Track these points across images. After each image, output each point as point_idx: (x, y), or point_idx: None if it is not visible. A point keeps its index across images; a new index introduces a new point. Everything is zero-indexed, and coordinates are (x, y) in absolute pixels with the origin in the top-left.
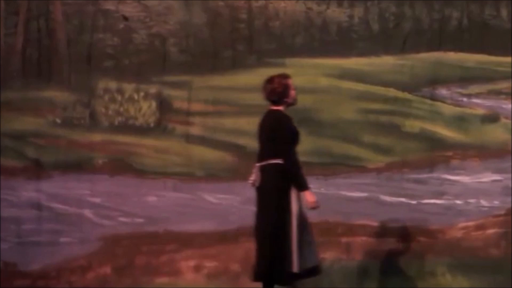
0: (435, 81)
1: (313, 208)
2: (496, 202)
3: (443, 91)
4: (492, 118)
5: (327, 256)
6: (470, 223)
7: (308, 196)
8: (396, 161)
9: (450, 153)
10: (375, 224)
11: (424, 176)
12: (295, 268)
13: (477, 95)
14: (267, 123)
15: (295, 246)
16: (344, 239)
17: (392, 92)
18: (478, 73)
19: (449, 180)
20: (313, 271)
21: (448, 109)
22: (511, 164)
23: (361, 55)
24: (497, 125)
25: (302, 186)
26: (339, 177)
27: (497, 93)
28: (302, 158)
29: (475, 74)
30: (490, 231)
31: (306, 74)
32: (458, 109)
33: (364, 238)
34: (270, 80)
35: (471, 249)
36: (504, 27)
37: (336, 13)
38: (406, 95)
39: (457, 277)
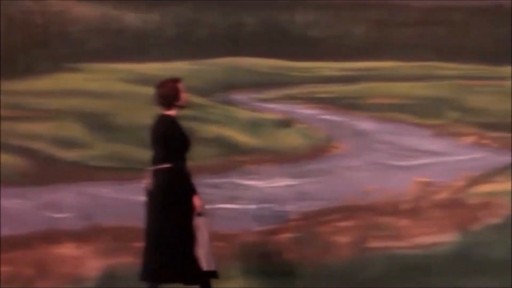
0: (230, 86)
1: (199, 213)
2: (289, 207)
3: (238, 96)
4: (286, 123)
5: (123, 261)
6: (264, 228)
7: (195, 201)
8: (192, 165)
9: (245, 158)
10: None
11: (219, 180)
12: (204, 266)
13: (272, 100)
14: (158, 128)
15: (196, 246)
16: (138, 244)
17: (188, 97)
18: (273, 79)
19: (244, 185)
20: (214, 274)
21: (243, 114)
22: (305, 169)
23: (156, 60)
24: (292, 130)
25: (189, 191)
26: (135, 182)
27: (292, 98)
28: (97, 163)
29: (270, 79)
30: (284, 235)
31: (102, 79)
32: (253, 114)
33: None
34: (160, 85)
35: (265, 253)
36: (299, 33)
37: (132, 18)
38: (202, 100)
39: (250, 281)
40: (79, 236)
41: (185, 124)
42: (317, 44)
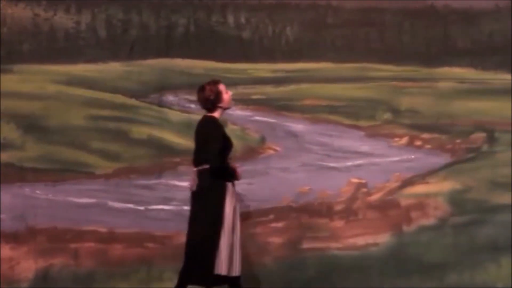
0: (163, 87)
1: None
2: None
3: (170, 98)
4: None
5: (56, 262)
6: None
7: (238, 175)
8: (124, 167)
9: (178, 159)
10: (104, 230)
11: (152, 182)
12: (223, 270)
13: None
14: (199, 129)
15: (224, 250)
16: (72, 245)
17: (120, 98)
18: (205, 80)
19: (177, 186)
20: (232, 279)
21: (176, 116)
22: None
23: (88, 61)
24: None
25: (231, 176)
26: (68, 183)
27: None
28: (30, 164)
29: (202, 81)
30: None
31: (34, 80)
32: (185, 115)
33: (92, 244)
34: (201, 89)
35: None
36: (231, 34)
37: (64, 20)
38: (134, 102)
39: None
40: (14, 238)
41: (117, 126)
42: (249, 46)
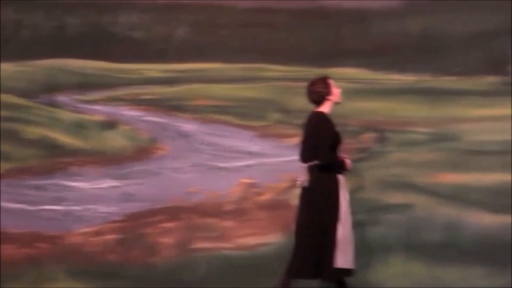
0: (55, 87)
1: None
2: (114, 208)
3: (62, 98)
4: (111, 124)
5: None
6: (89, 229)
7: (347, 165)
8: (16, 167)
9: (69, 160)
10: None
11: (43, 182)
12: (340, 263)
13: (96, 102)
14: (309, 124)
15: (340, 243)
16: None
17: (11, 98)
18: (97, 80)
19: (68, 186)
20: (349, 272)
21: (67, 116)
22: (129, 171)
23: None
24: (116, 132)
25: (341, 168)
26: None
27: (117, 100)
28: None
29: (94, 81)
30: (108, 236)
31: None
32: (77, 115)
33: None
34: (312, 83)
35: (89, 254)
36: (123, 34)
37: None
38: (25, 102)
39: (75, 283)
40: None
41: (8, 126)
42: (141, 46)
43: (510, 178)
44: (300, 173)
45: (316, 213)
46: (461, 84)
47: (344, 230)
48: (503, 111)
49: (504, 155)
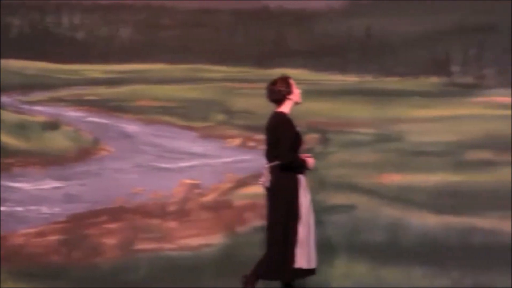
0: None
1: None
2: (56, 209)
3: (4, 99)
4: (53, 125)
5: None
6: (31, 230)
7: (310, 164)
8: None
9: (11, 160)
10: None
11: None
12: (300, 263)
13: (38, 103)
14: (270, 125)
15: (301, 243)
16: None
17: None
18: (39, 81)
19: (11, 187)
20: (311, 272)
21: (9, 117)
22: (72, 172)
23: None
24: (58, 132)
25: (302, 167)
26: None
27: (58, 100)
28: None
29: (36, 82)
30: (51, 237)
31: None
32: (19, 116)
33: None
34: (273, 82)
35: (32, 255)
36: (65, 35)
37: None
38: None
39: (18, 284)
40: None
41: None
42: (83, 46)
43: (453, 179)
44: (262, 174)
45: (277, 213)
46: (404, 85)
47: (304, 229)
48: (446, 111)
49: (447, 156)
